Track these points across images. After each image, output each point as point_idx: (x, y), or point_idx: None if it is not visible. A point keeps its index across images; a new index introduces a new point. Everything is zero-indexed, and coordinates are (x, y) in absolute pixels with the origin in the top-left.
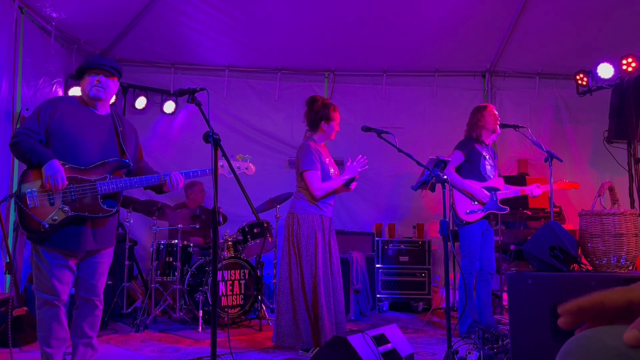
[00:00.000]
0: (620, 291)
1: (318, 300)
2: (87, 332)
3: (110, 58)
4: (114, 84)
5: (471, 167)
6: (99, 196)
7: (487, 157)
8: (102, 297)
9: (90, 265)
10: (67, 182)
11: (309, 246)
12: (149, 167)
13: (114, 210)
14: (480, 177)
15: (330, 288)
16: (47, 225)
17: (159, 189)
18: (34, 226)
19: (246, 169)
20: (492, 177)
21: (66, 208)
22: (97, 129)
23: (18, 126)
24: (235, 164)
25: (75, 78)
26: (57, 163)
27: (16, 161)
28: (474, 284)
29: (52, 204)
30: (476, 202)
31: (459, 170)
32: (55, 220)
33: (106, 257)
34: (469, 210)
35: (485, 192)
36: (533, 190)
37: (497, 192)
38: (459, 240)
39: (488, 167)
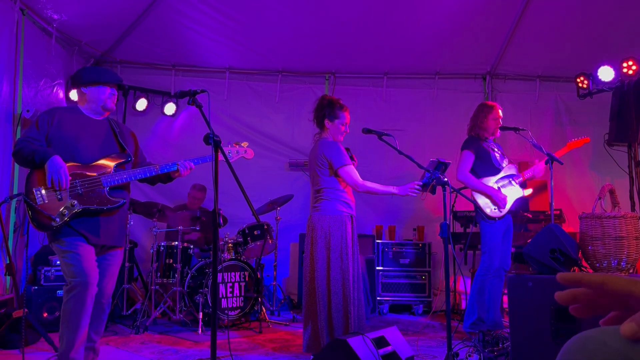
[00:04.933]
0: (624, 280)
1: (349, 299)
2: (92, 337)
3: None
4: None
5: (483, 163)
6: (105, 189)
7: (495, 149)
8: (110, 300)
9: (100, 266)
10: (70, 178)
11: (343, 247)
12: (151, 164)
13: (123, 201)
14: (494, 169)
15: (356, 287)
16: (57, 219)
17: (166, 178)
18: (45, 222)
19: (245, 152)
20: (504, 165)
21: (74, 202)
22: (95, 131)
23: (19, 129)
24: (233, 149)
25: (79, 84)
26: (59, 159)
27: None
28: (486, 280)
29: (60, 199)
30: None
31: (472, 169)
32: (65, 213)
33: (117, 259)
34: (494, 207)
35: (502, 195)
36: (536, 168)
37: (516, 178)
38: (481, 236)
39: (497, 156)
